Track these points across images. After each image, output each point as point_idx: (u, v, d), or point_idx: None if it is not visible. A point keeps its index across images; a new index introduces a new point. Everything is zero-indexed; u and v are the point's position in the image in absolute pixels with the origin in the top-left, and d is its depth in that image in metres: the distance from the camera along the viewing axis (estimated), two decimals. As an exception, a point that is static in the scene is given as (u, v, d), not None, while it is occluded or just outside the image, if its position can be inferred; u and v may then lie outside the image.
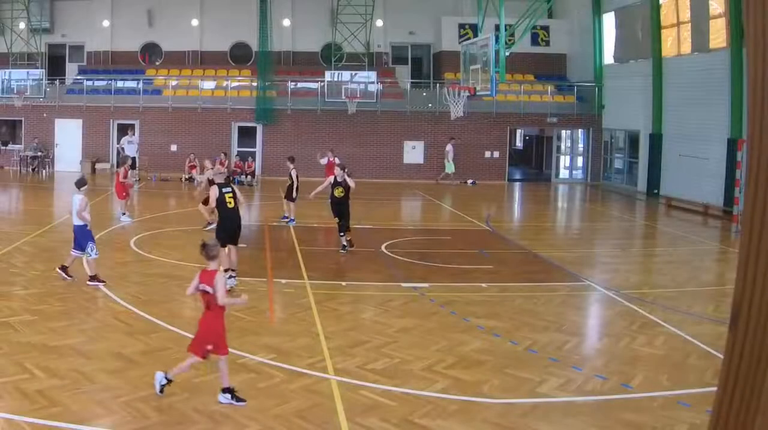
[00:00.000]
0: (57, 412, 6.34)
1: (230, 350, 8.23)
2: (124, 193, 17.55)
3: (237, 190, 11.31)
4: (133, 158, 25.69)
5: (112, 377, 7.24)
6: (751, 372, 1.87)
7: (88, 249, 11.04)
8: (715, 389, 1.99)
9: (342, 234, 14.40)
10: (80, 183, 11.32)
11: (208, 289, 6.77)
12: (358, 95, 29.09)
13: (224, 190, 11.08)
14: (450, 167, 29.24)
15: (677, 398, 7.16)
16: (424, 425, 6.48)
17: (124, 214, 17.56)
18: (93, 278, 11.05)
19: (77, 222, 11.11)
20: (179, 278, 11.76)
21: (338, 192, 14.45)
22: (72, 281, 11.08)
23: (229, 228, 11.11)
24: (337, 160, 19.43)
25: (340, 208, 14.44)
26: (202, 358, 6.86)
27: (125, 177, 17.70)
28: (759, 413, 1.85)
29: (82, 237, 11.09)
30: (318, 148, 24.92)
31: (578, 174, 32.38)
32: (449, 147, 29.21)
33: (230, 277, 10.86)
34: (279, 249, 14.60)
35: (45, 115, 29.45)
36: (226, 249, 10.81)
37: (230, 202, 11.03)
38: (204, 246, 6.95)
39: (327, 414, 6.62)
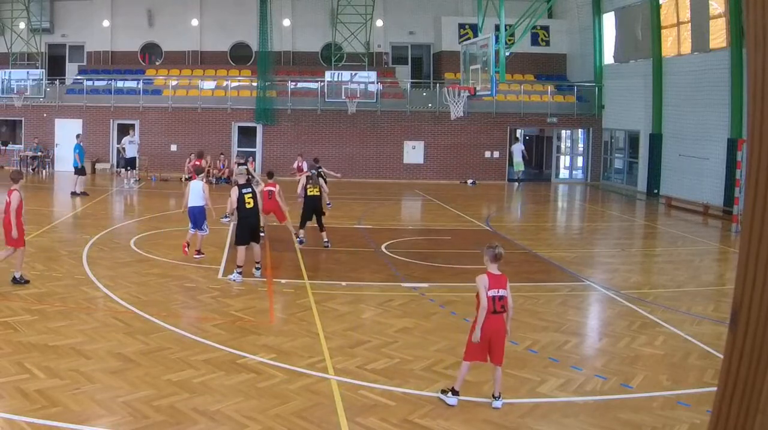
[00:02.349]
0: (57, 412, 6.34)
1: (230, 350, 8.27)
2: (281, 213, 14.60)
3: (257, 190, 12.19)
4: (133, 158, 25.72)
5: (112, 377, 7.24)
6: (751, 372, 1.87)
7: (204, 226, 13.31)
8: (715, 389, 1.99)
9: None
10: (200, 171, 14.01)
11: (506, 293, 6.71)
12: (358, 95, 29.08)
13: (244, 190, 11.59)
14: (521, 166, 29.81)
15: (677, 398, 7.17)
16: (424, 425, 6.48)
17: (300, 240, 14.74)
18: (198, 251, 13.26)
19: (198, 203, 13.15)
20: (179, 278, 11.77)
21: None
22: (204, 257, 13.21)
23: (248, 226, 11.64)
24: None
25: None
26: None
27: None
28: (759, 413, 1.85)
29: (201, 216, 13.20)
30: (318, 148, 24.93)
31: (578, 174, 32.39)
32: (522, 146, 29.86)
33: (257, 268, 11.88)
34: (279, 249, 14.60)
35: (45, 115, 29.45)
36: (247, 247, 11.73)
37: (249, 202, 11.54)
38: (494, 248, 6.78)
39: (327, 414, 6.62)
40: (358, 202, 22.77)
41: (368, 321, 9.79)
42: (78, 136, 23.65)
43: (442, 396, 6.93)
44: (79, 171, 22.15)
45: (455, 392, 6.89)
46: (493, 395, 6.91)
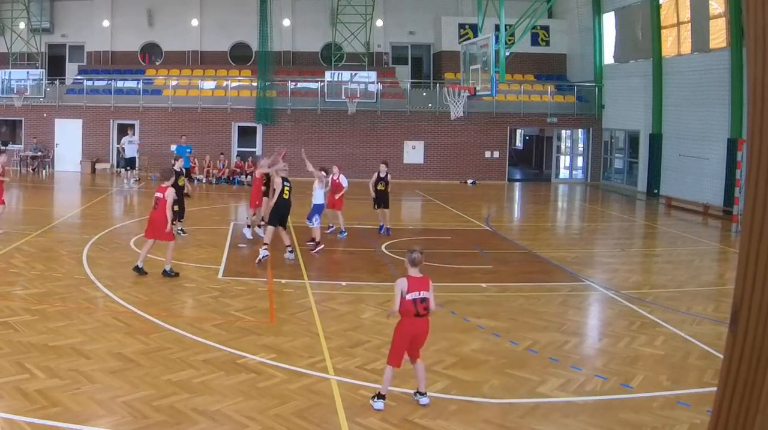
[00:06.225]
0: (57, 412, 6.33)
1: (229, 350, 8.27)
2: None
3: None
4: (133, 158, 25.70)
5: (112, 377, 7.23)
6: (751, 372, 1.86)
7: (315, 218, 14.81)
8: (715, 389, 1.99)
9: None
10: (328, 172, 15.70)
11: (428, 295, 6.71)
12: (358, 95, 29.07)
13: (285, 183, 13.33)
14: None
15: (677, 398, 7.16)
16: (424, 425, 6.48)
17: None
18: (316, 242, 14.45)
19: (322, 200, 14.89)
20: (179, 278, 11.76)
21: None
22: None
23: (281, 213, 13.34)
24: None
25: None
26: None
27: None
28: (759, 413, 1.85)
29: (319, 211, 14.78)
30: (318, 148, 24.89)
31: (578, 174, 32.39)
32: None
33: (290, 251, 13.45)
34: (279, 249, 14.58)
35: (45, 115, 29.45)
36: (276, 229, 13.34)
37: (286, 194, 13.27)
38: (411, 253, 6.82)
39: (327, 414, 6.62)
40: (358, 202, 22.76)
41: (368, 321, 9.79)
42: (183, 137, 24.00)
43: (371, 401, 6.76)
44: (186, 173, 20.75)
45: (381, 396, 6.76)
46: (418, 391, 6.87)
